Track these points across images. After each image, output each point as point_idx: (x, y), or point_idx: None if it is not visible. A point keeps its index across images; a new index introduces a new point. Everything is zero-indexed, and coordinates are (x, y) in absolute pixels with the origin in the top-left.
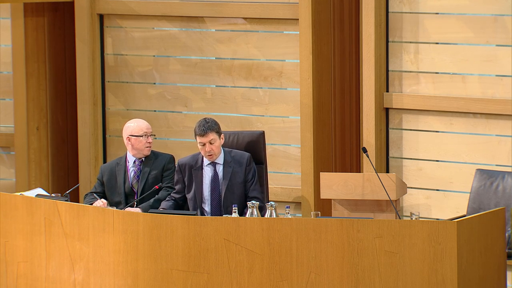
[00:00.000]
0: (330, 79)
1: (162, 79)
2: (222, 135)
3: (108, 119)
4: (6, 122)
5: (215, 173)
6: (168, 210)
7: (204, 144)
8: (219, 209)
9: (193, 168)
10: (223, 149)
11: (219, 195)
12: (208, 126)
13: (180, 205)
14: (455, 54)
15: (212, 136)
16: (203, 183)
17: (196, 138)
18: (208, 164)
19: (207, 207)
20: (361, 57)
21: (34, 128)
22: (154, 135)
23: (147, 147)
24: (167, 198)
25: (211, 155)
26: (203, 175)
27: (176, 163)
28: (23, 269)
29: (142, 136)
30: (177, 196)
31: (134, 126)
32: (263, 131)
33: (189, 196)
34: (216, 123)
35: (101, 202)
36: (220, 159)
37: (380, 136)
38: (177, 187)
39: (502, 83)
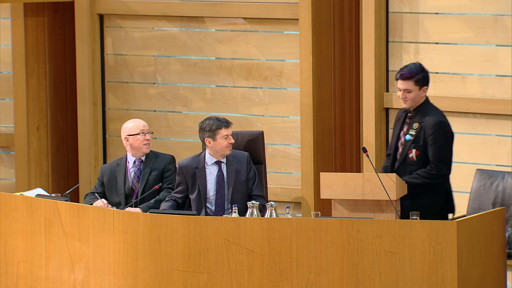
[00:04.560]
0: (330, 79)
1: (162, 79)
2: None
3: (108, 119)
4: (6, 122)
5: (220, 172)
6: (168, 210)
7: (227, 137)
8: (224, 207)
9: (197, 168)
10: None
11: (225, 194)
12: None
13: (181, 205)
14: (455, 54)
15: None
16: (207, 183)
17: (217, 132)
18: (213, 163)
19: (212, 206)
20: (361, 57)
21: (34, 128)
22: (152, 133)
23: (145, 144)
24: (166, 198)
25: (230, 148)
26: (207, 174)
27: (176, 164)
28: (23, 269)
29: (139, 134)
30: (178, 195)
31: (130, 126)
32: (262, 131)
33: (192, 196)
34: None
35: (101, 202)
36: (223, 158)
37: (380, 136)
38: (178, 188)
39: (502, 83)
